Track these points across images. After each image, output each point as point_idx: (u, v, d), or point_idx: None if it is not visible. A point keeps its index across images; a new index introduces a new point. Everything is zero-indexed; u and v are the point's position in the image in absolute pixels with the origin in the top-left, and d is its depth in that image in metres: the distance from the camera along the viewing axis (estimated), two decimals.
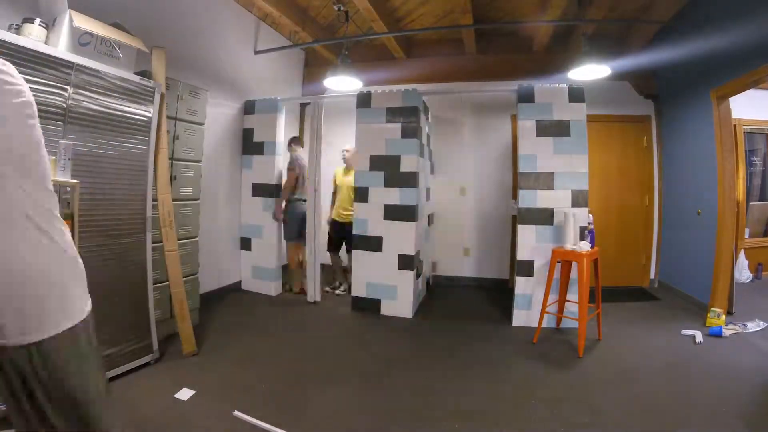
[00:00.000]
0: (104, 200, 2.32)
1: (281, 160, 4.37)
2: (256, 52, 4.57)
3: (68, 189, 2.04)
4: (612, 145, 4.70)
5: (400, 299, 3.75)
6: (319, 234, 4.14)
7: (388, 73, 5.05)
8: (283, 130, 4.37)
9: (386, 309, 3.80)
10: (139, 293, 2.56)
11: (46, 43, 2.10)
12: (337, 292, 4.41)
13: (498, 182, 4.91)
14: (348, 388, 2.45)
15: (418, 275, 3.96)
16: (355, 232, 3.91)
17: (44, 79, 2.00)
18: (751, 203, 5.03)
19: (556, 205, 3.42)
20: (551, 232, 3.42)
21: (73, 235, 1.78)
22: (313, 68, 5.59)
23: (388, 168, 3.80)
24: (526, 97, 3.56)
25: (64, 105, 2.09)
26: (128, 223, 2.48)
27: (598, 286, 3.21)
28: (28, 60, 1.94)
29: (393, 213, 3.78)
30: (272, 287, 4.31)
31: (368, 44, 5.21)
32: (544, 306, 3.18)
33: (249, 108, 4.40)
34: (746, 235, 4.81)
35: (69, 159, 1.85)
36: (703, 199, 3.80)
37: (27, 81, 1.86)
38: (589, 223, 3.29)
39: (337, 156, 4.40)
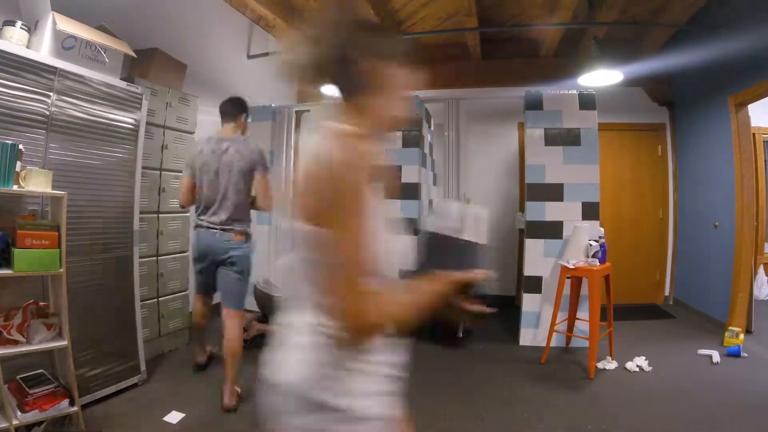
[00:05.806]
0: (89, 212, 2.24)
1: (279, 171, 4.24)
2: (249, 57, 4.43)
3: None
4: (625, 154, 4.61)
5: None
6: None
7: None
8: (278, 138, 4.23)
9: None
10: (126, 311, 2.47)
11: (27, 47, 2.04)
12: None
13: (504, 194, 4.78)
14: None
15: None
16: None
17: (26, 85, 1.95)
18: None
19: (566, 218, 3.32)
20: (560, 246, 3.31)
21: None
22: None
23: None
24: (534, 104, 3.45)
25: (47, 112, 2.03)
26: (115, 236, 2.39)
27: (610, 303, 3.10)
28: (8, 65, 1.87)
29: (393, 226, 3.63)
30: None
31: None
32: (552, 324, 3.09)
33: None
34: (765, 250, 4.66)
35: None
36: (720, 212, 3.70)
37: (7, 87, 1.84)
38: (600, 237, 3.18)
39: None
